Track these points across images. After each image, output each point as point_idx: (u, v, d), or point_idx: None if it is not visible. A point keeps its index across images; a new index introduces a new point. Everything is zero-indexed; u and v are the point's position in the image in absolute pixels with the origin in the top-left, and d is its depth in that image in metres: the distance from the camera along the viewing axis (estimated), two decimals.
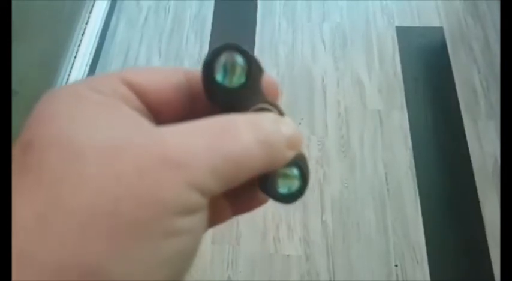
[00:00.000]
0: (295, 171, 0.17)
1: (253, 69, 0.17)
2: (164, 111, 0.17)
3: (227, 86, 0.17)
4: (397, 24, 1.41)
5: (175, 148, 0.13)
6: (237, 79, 0.17)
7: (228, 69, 0.17)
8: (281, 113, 0.18)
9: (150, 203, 0.13)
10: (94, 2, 1.36)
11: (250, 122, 0.15)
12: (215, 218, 0.18)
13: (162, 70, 0.17)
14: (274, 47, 1.39)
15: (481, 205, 1.11)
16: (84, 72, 1.26)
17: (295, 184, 0.17)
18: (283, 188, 0.17)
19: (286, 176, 0.17)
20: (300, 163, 0.17)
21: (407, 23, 1.42)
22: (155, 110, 0.17)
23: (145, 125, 0.14)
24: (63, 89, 0.15)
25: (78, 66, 1.25)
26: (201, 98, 0.18)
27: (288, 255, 1.07)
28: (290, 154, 0.16)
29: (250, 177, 0.15)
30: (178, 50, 1.40)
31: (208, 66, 0.17)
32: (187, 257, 0.15)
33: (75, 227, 0.12)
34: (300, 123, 1.25)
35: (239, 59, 0.17)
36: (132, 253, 0.12)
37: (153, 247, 0.13)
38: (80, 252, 0.12)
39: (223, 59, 0.17)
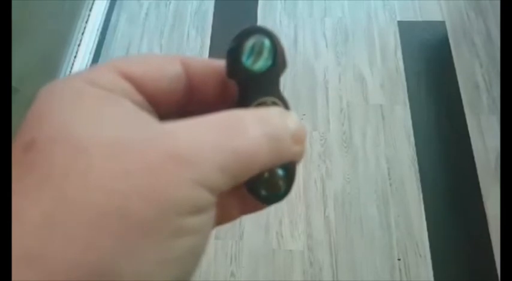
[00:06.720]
0: (280, 172, 0.17)
1: (279, 58, 0.17)
2: (162, 102, 0.16)
3: (250, 68, 0.17)
4: (399, 19, 1.41)
5: (183, 145, 0.13)
6: (263, 62, 0.17)
7: (255, 52, 0.17)
8: (287, 107, 0.17)
9: (159, 202, 0.12)
10: None
11: (257, 117, 0.15)
12: (223, 217, 0.18)
13: (156, 59, 0.16)
14: None
15: (484, 199, 1.11)
16: (86, 67, 1.26)
17: (280, 186, 0.17)
18: (266, 189, 0.17)
19: (272, 177, 0.17)
20: (288, 165, 0.17)
21: (409, 17, 1.41)
22: (153, 101, 0.16)
23: (150, 120, 0.14)
24: (60, 84, 0.14)
25: (79, 62, 1.25)
26: (199, 88, 0.17)
27: (290, 250, 1.08)
28: (296, 149, 0.16)
29: (257, 172, 0.15)
30: (179, 46, 1.39)
31: (237, 46, 0.16)
32: (195, 256, 0.14)
33: (84, 225, 0.11)
34: (302, 119, 1.24)
35: (267, 44, 0.17)
36: (141, 252, 0.12)
37: (162, 246, 0.12)
38: (88, 251, 0.11)
39: (252, 41, 0.17)
